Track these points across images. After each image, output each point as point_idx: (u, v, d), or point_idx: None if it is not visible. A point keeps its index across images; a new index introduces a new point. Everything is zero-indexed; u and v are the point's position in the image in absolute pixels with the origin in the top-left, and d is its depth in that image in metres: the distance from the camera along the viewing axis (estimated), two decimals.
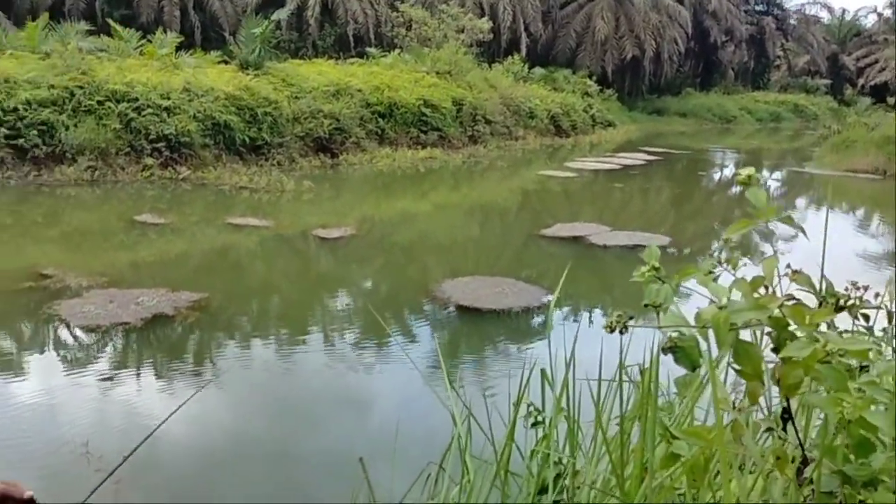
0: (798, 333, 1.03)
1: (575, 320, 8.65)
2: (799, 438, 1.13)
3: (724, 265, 1.15)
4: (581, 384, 2.25)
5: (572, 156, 26.05)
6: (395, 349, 7.53)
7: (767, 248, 11.07)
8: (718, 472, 1.39)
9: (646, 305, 1.10)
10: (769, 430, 1.17)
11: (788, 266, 1.12)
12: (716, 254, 1.17)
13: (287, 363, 7.25)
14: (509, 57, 34.83)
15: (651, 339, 2.57)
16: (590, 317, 8.95)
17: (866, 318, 1.40)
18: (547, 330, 2.30)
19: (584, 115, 33.73)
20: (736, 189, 23.79)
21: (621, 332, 1.09)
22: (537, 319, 8.64)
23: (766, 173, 26.71)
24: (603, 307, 9.53)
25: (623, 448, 1.48)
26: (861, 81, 58.86)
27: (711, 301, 1.06)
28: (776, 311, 1.03)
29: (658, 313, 1.10)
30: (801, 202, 20.59)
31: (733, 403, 1.16)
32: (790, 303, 1.04)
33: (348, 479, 2.31)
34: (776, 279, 1.17)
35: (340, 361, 7.30)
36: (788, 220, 1.18)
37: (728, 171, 27.78)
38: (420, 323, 8.58)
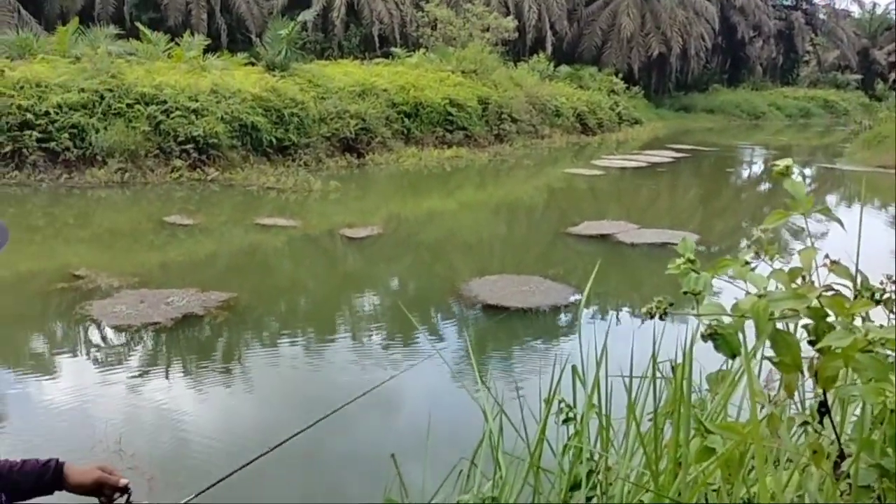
0: (837, 324, 1.02)
1: (603, 318, 8.61)
2: (836, 432, 1.12)
3: (762, 256, 1.13)
4: (612, 381, 2.24)
5: (599, 154, 25.92)
6: (424, 347, 7.55)
7: (797, 245, 10.95)
8: (753, 466, 1.38)
9: (685, 293, 1.09)
10: (805, 423, 1.15)
11: (827, 256, 1.11)
12: (751, 245, 1.16)
13: (316, 362, 7.30)
14: (535, 55, 34.75)
15: (682, 335, 2.55)
16: (618, 314, 8.90)
17: None
18: (577, 326, 2.30)
19: (611, 113, 33.55)
20: (765, 186, 23.56)
21: (661, 318, 1.09)
22: (565, 317, 8.61)
23: (796, 170, 26.34)
24: (631, 305, 9.47)
25: (657, 443, 1.47)
26: (893, 76, 57.90)
27: (746, 294, 1.06)
28: (815, 302, 1.01)
29: (696, 303, 1.09)
30: (831, 199, 20.31)
31: (768, 397, 1.16)
32: (829, 293, 1.03)
33: (380, 476, 2.32)
34: (813, 271, 1.16)
35: (369, 359, 7.33)
36: (826, 212, 1.16)
37: (757, 168, 27.50)
38: (448, 321, 8.58)
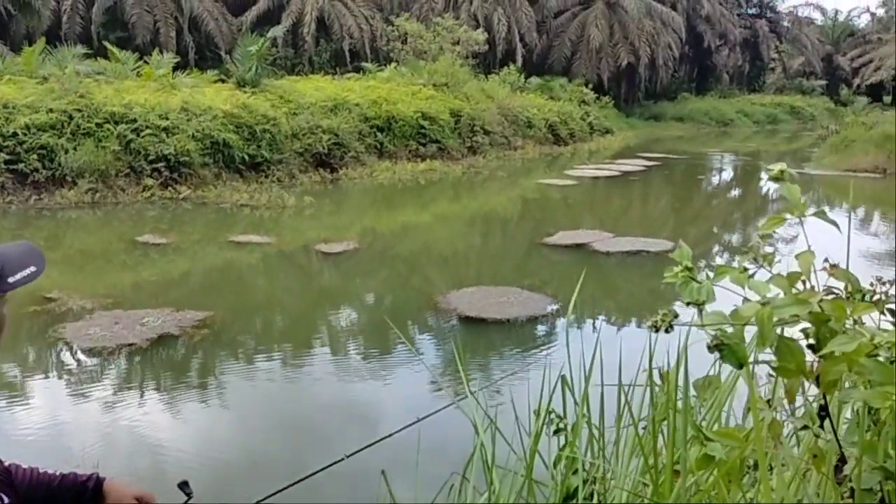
0: (836, 328, 1.01)
1: (579, 327, 8.63)
2: (836, 436, 1.12)
3: (760, 262, 1.13)
4: (601, 390, 2.24)
5: (571, 164, 26.07)
6: (403, 361, 7.52)
7: (768, 249, 11.05)
8: (747, 471, 1.38)
9: (688, 304, 1.08)
10: (804, 427, 1.15)
11: (826, 260, 1.11)
12: (749, 252, 1.15)
13: (295, 378, 7.23)
14: (505, 67, 34.91)
15: (665, 344, 2.56)
16: (596, 323, 8.92)
17: (893, 313, 1.39)
18: (564, 336, 2.28)
19: (582, 123, 33.78)
20: (735, 192, 23.84)
21: (667, 331, 1.08)
22: (546, 328, 8.63)
23: (764, 175, 26.74)
24: (612, 313, 9.52)
25: (654, 450, 1.47)
26: (857, 81, 59.01)
27: (744, 301, 1.05)
28: (816, 307, 1.01)
29: (698, 312, 1.08)
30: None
31: (767, 403, 1.15)
32: (829, 297, 1.03)
33: (370, 493, 2.29)
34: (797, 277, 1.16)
35: (351, 375, 7.28)
36: (822, 215, 1.17)
37: (726, 175, 27.82)
38: (427, 335, 8.56)
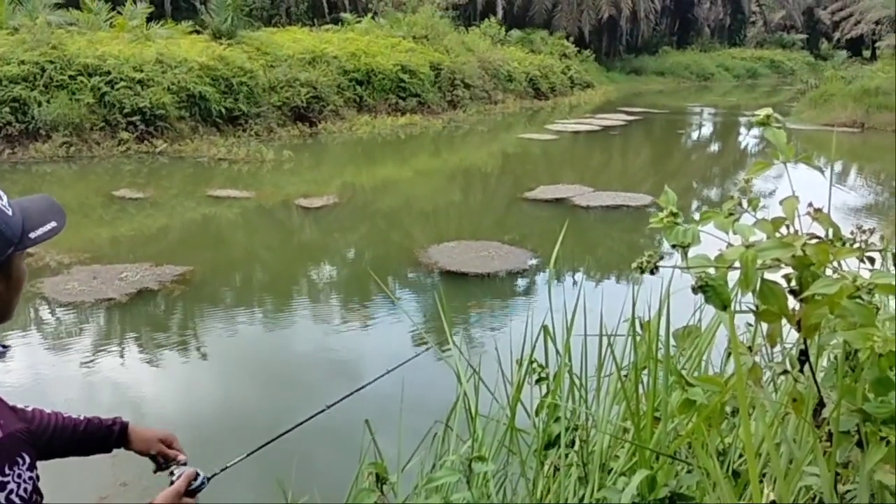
0: (818, 273, 1.02)
1: (560, 280, 8.68)
2: (816, 380, 1.13)
3: (745, 208, 1.14)
4: (581, 340, 2.25)
5: (552, 118, 25.95)
6: (384, 315, 7.55)
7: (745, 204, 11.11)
8: (727, 418, 1.40)
9: (673, 246, 1.09)
10: (784, 372, 1.17)
11: (811, 205, 1.11)
12: (736, 196, 1.15)
13: (276, 332, 7.24)
14: (486, 20, 34.49)
15: (645, 295, 2.57)
16: (574, 276, 8.98)
17: (871, 261, 1.41)
18: (547, 288, 2.29)
19: (563, 77, 33.56)
20: (715, 147, 23.88)
21: (652, 273, 1.09)
22: (526, 281, 8.67)
23: (744, 130, 26.78)
24: (592, 266, 9.58)
25: (636, 395, 1.48)
26: (837, 35, 58.88)
27: (728, 246, 1.05)
28: (799, 251, 1.02)
29: (684, 255, 1.08)
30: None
31: (749, 349, 1.17)
32: (813, 241, 1.04)
33: (353, 443, 2.31)
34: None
35: (331, 328, 7.30)
36: (808, 159, 1.17)
37: (707, 130, 27.84)
38: (407, 289, 8.58)
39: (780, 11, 60.31)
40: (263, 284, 8.98)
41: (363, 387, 2.03)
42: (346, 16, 29.62)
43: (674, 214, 1.12)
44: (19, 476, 1.28)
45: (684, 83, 44.01)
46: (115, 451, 1.86)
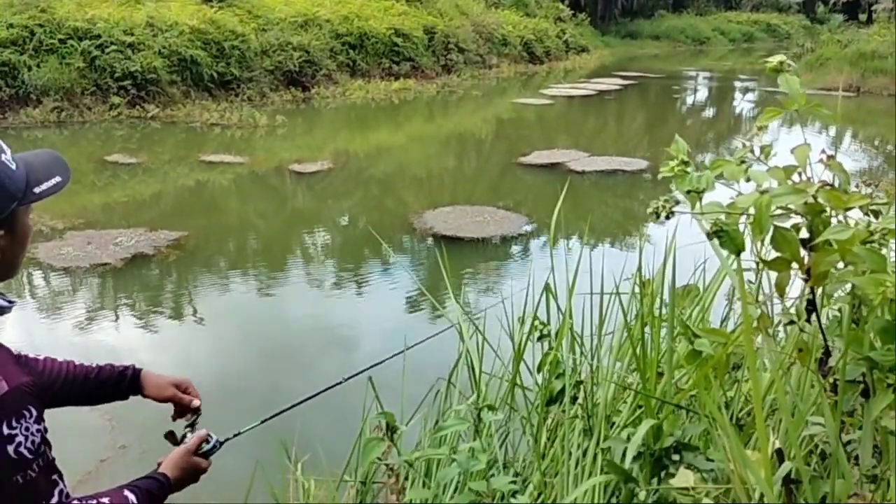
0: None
1: (557, 243, 8.66)
2: (822, 329, 1.14)
3: (758, 157, 1.13)
4: (579, 300, 2.26)
5: (547, 83, 25.79)
6: (381, 279, 7.56)
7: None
8: (735, 367, 1.40)
9: (687, 192, 1.08)
10: (790, 322, 1.17)
11: (823, 152, 1.11)
12: (746, 144, 1.15)
13: (272, 297, 7.24)
14: None
15: (649, 256, 2.58)
16: (569, 241, 8.99)
17: (876, 214, 1.41)
18: (550, 249, 2.29)
19: (558, 41, 33.27)
20: (710, 112, 23.79)
21: (667, 217, 1.08)
22: (522, 246, 8.68)
23: (738, 95, 26.67)
24: (589, 230, 9.57)
25: (643, 346, 1.49)
26: None
27: (738, 195, 1.05)
28: (810, 197, 1.02)
29: (699, 201, 1.08)
30: (774, 123, 20.62)
31: (755, 299, 1.17)
32: (826, 188, 1.03)
33: (356, 404, 2.32)
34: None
35: (324, 292, 7.31)
36: (818, 108, 1.16)
37: (702, 95, 27.71)
38: (402, 254, 8.58)
39: None
40: (259, 250, 8.96)
41: (375, 365, 2.02)
42: None
43: (684, 163, 1.11)
44: (27, 429, 1.28)
45: (680, 47, 43.70)
46: (130, 398, 1.85)
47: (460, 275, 7.54)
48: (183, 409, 1.84)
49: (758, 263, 1.39)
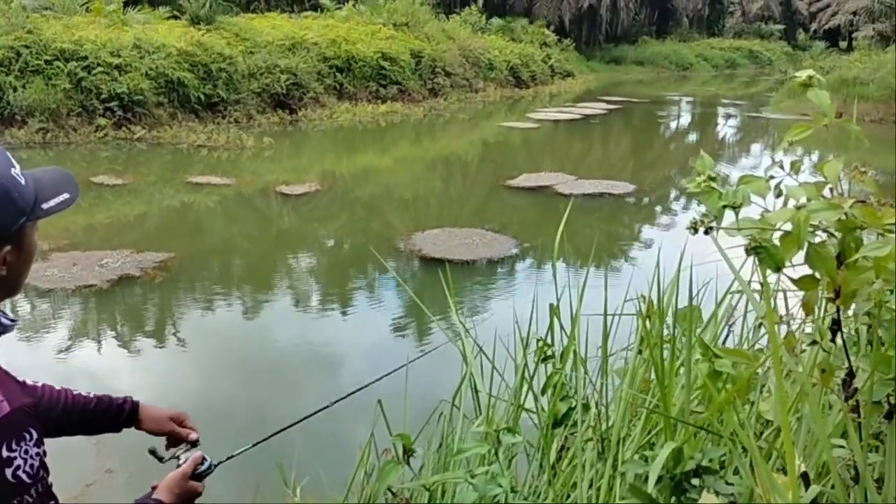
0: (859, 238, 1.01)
1: (540, 267, 8.68)
2: (846, 350, 1.12)
3: (788, 172, 1.12)
4: (581, 321, 2.23)
5: (533, 107, 25.94)
6: (365, 301, 7.52)
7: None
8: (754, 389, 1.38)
9: (724, 207, 1.06)
10: (813, 343, 1.15)
11: (856, 167, 1.09)
12: (776, 161, 1.13)
13: (257, 320, 7.18)
14: (466, 7, 34.36)
15: (648, 277, 2.56)
16: (566, 262, 8.97)
17: None
18: (553, 270, 2.25)
19: (543, 66, 33.53)
20: (694, 136, 23.99)
21: (706, 233, 1.06)
22: (512, 268, 8.67)
23: (721, 120, 26.93)
24: (579, 252, 9.58)
25: (662, 366, 1.46)
26: (814, 26, 59.31)
27: (763, 212, 1.03)
28: (848, 211, 1.00)
29: (735, 216, 1.06)
30: (757, 147, 20.88)
31: (780, 318, 1.15)
32: (860, 203, 1.02)
33: (355, 428, 2.28)
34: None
35: (310, 315, 7.25)
36: (848, 122, 1.15)
37: (686, 119, 27.96)
38: (391, 276, 8.54)
39: (758, 2, 60.62)
40: (245, 271, 8.90)
41: (370, 384, 1.98)
42: (325, 2, 29.38)
43: (711, 178, 1.10)
44: (26, 452, 1.24)
45: (664, 73, 44.16)
46: (123, 430, 1.81)
47: (455, 295, 7.49)
48: (179, 442, 1.79)
49: (762, 283, 1.37)
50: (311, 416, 1.89)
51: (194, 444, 1.79)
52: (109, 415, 1.76)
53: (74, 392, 1.75)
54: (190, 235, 10.03)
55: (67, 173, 1.44)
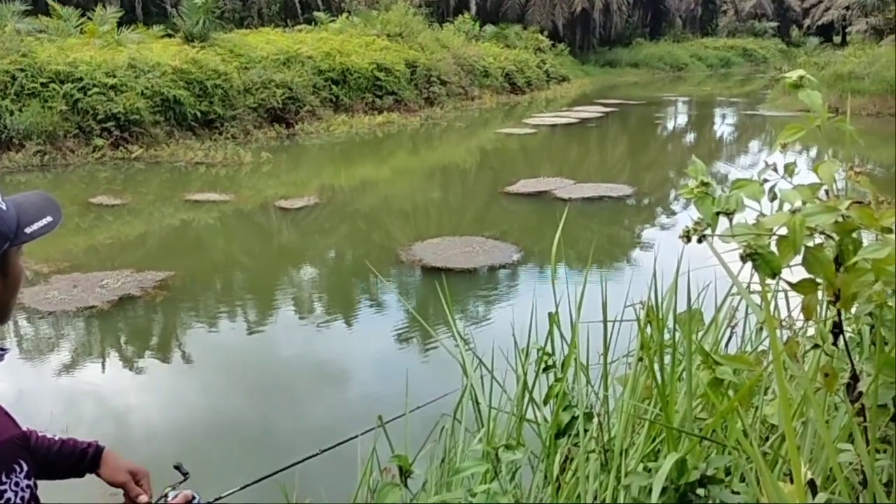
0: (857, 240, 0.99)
1: (540, 272, 8.65)
2: (849, 353, 1.10)
3: (783, 175, 1.10)
4: (582, 328, 2.21)
5: (529, 112, 25.96)
6: (369, 314, 7.49)
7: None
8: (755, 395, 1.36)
9: (717, 213, 1.04)
10: (815, 346, 1.13)
11: (852, 168, 1.07)
12: (769, 165, 1.11)
13: (260, 337, 7.15)
14: (459, 15, 34.44)
15: (647, 282, 2.54)
16: (567, 267, 8.95)
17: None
18: (552, 278, 2.23)
19: (538, 71, 33.58)
20: (690, 137, 23.99)
21: (699, 241, 1.04)
22: (513, 275, 8.64)
23: (718, 119, 26.94)
24: (579, 258, 9.56)
25: (662, 374, 1.44)
26: (807, 22, 59.38)
27: (759, 215, 1.01)
28: (845, 213, 0.98)
29: (729, 223, 1.04)
30: (755, 144, 20.87)
31: (780, 323, 1.13)
32: (857, 205, 1.00)
33: (357, 443, 2.25)
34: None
35: (318, 330, 7.23)
36: (842, 122, 1.13)
37: (682, 120, 27.97)
38: (393, 286, 8.52)
39: (750, 0, 60.73)
40: (246, 288, 8.88)
41: (366, 432, 1.97)
42: (319, 15, 29.47)
43: (704, 184, 1.08)
44: (17, 484, 1.21)
45: (658, 74, 44.21)
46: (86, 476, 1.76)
47: (451, 305, 7.47)
48: (129, 501, 1.73)
49: (761, 287, 1.35)
50: (300, 462, 1.88)
51: (185, 478, 1.75)
52: (72, 460, 1.70)
53: (39, 433, 1.71)
54: (190, 253, 10.02)
55: (49, 197, 1.43)
